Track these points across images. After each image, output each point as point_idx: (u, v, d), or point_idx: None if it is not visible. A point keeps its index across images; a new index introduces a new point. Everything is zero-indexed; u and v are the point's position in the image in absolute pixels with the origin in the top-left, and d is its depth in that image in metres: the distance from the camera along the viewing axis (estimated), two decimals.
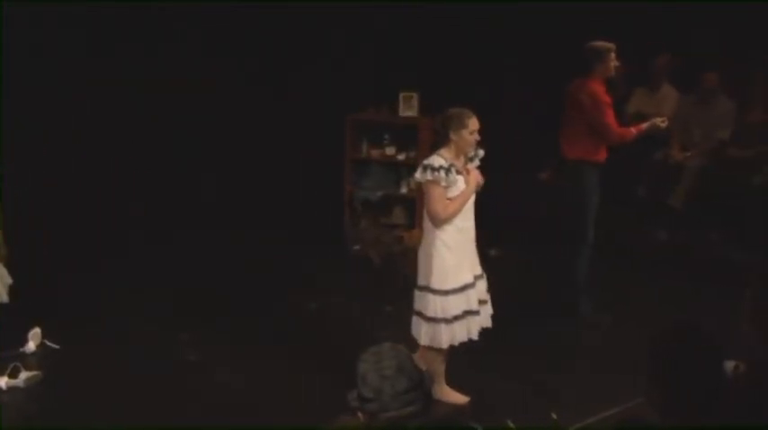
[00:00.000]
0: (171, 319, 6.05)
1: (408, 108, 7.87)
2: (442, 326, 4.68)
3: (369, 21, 8.23)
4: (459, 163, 4.76)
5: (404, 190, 8.13)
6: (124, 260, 7.02)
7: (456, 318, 4.71)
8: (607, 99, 5.96)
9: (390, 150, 8.08)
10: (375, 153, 8.15)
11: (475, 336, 4.82)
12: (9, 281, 5.58)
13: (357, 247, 7.84)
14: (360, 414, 2.74)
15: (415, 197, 8.02)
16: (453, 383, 4.95)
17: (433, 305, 4.69)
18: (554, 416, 4.71)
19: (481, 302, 4.86)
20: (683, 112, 8.07)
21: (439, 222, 4.67)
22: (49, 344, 5.65)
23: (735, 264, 6.86)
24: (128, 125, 7.57)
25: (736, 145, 7.78)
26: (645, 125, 6.00)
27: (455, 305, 4.70)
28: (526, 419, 4.67)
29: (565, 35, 8.37)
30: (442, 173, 4.61)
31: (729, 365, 2.91)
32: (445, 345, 4.75)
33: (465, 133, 4.68)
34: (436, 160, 4.67)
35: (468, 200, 4.75)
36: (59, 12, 6.96)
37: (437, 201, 4.65)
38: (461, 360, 5.44)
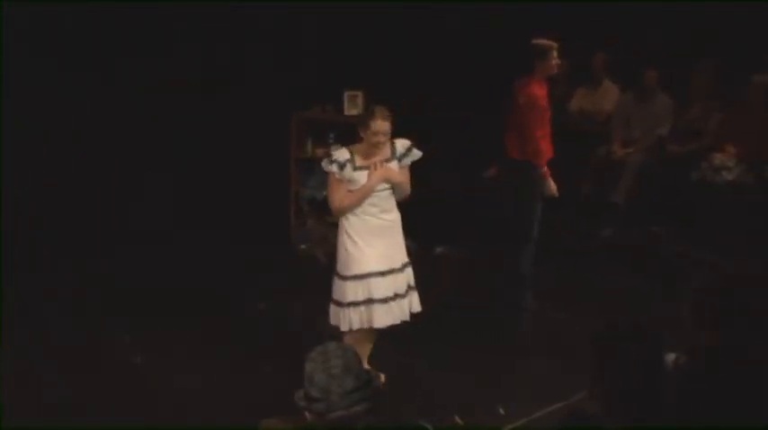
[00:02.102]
0: (116, 321, 5.98)
1: (353, 107, 7.86)
2: (340, 310, 4.95)
3: (315, 18, 8.21)
4: (369, 159, 4.90)
5: None
6: (70, 261, 6.90)
7: (352, 304, 4.90)
8: (543, 103, 5.91)
9: (335, 149, 8.05)
10: (320, 152, 8.11)
11: (379, 325, 4.96)
12: None
13: (304, 246, 7.82)
14: (307, 414, 2.73)
15: None
16: (402, 378, 4.98)
17: (336, 288, 4.99)
18: (501, 411, 4.77)
19: (399, 295, 4.98)
20: (624, 109, 8.20)
21: (335, 211, 5.00)
22: None
23: (677, 258, 7.00)
24: (77, 127, 7.45)
25: (675, 141, 7.92)
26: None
27: (353, 292, 4.89)
28: (473, 415, 4.72)
29: (510, 33, 8.46)
30: (336, 166, 4.87)
31: (671, 358, 2.96)
32: (343, 328, 4.95)
33: (368, 133, 4.86)
34: (339, 153, 4.95)
35: (366, 195, 4.90)
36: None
37: (334, 191, 4.94)
38: (410, 356, 5.48)
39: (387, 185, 4.95)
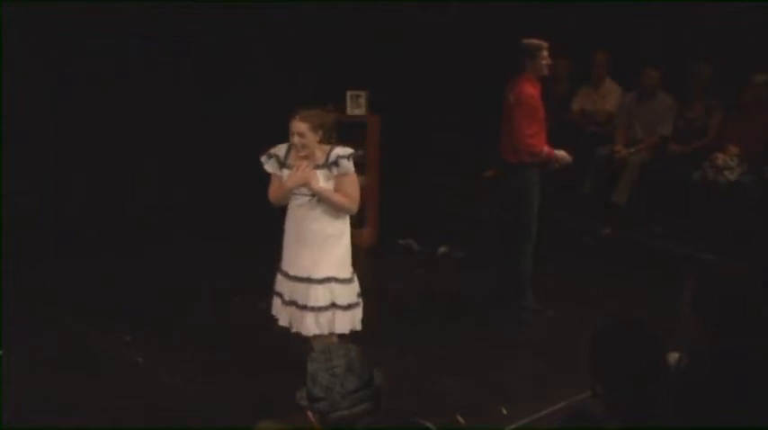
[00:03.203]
0: (117, 321, 5.98)
1: (356, 106, 7.87)
2: (278, 303, 4.93)
3: (318, 18, 8.22)
4: (299, 160, 4.74)
5: None
6: (69, 262, 6.91)
7: (278, 294, 4.91)
8: (533, 101, 5.88)
9: None
10: None
11: (289, 323, 4.87)
12: None
13: None
14: (309, 413, 2.74)
15: (364, 196, 8.02)
16: (404, 378, 4.99)
17: (277, 279, 4.95)
18: (504, 411, 4.78)
19: (296, 304, 4.81)
20: (625, 109, 8.21)
21: (270, 202, 4.90)
22: None
23: (677, 257, 7.00)
24: (75, 126, 7.46)
25: (677, 141, 7.93)
26: (558, 154, 5.96)
27: (285, 288, 4.87)
28: (476, 415, 4.73)
29: (514, 33, 8.46)
30: (265, 158, 4.84)
31: (673, 357, 2.97)
32: (283, 323, 4.91)
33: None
34: (277, 147, 4.86)
35: (283, 194, 4.79)
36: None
37: (270, 184, 4.88)
38: (413, 356, 5.49)
39: (308, 192, 4.71)
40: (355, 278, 4.94)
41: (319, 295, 4.73)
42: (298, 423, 2.78)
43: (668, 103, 8.01)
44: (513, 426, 4.65)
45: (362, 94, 7.84)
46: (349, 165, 4.73)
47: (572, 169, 8.17)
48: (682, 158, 7.75)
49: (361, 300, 4.94)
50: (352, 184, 4.79)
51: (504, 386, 5.12)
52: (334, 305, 4.77)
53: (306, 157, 4.69)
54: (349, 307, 4.83)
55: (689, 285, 3.07)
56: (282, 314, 4.90)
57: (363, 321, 5.72)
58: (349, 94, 7.85)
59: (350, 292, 4.85)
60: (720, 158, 7.36)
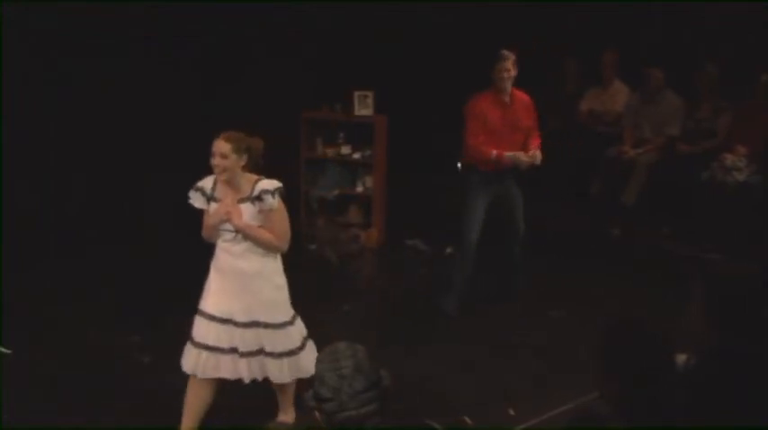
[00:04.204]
0: (123, 321, 5.98)
1: (364, 107, 7.88)
2: (189, 345, 4.44)
3: (326, 17, 8.22)
4: (225, 192, 4.36)
5: (360, 189, 8.14)
6: (75, 261, 6.92)
7: (198, 345, 4.38)
8: (478, 111, 5.98)
9: (346, 149, 8.09)
10: (330, 152, 8.14)
11: (204, 374, 4.40)
12: None
13: (313, 246, 7.83)
14: (317, 414, 2.74)
15: (371, 196, 8.05)
16: (411, 379, 4.98)
17: (195, 320, 4.46)
18: (511, 412, 4.77)
19: (237, 351, 4.38)
20: (632, 109, 8.19)
21: (205, 239, 4.45)
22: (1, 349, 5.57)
23: (686, 259, 6.98)
24: (75, 126, 7.47)
25: (686, 141, 7.91)
26: (507, 154, 5.95)
27: (204, 331, 4.37)
28: (482, 416, 4.72)
29: (520, 34, 8.45)
30: (192, 192, 4.43)
31: (681, 358, 2.96)
32: (185, 369, 4.43)
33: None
34: (204, 180, 4.44)
35: (207, 230, 4.38)
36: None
37: (203, 219, 4.43)
38: (419, 357, 5.49)
39: (233, 228, 4.31)
40: (297, 322, 4.51)
41: (246, 340, 4.35)
42: (306, 423, 2.78)
43: (676, 104, 7.99)
44: (521, 427, 4.64)
45: (370, 94, 7.85)
46: (273, 202, 4.31)
47: (580, 169, 8.23)
48: (690, 159, 7.73)
49: (305, 344, 4.51)
50: (280, 220, 4.38)
51: (510, 387, 5.12)
52: (262, 351, 4.38)
53: (227, 183, 4.30)
54: (284, 354, 4.41)
55: (697, 285, 3.07)
56: (215, 368, 4.39)
57: (371, 322, 5.73)
58: (357, 94, 7.86)
59: (284, 339, 4.41)
60: (729, 159, 7.34)
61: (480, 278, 6.74)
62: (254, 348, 4.37)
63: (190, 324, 4.44)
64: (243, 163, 4.32)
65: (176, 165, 7.96)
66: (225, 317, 4.35)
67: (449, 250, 7.33)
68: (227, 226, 4.31)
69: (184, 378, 5.13)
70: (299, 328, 4.52)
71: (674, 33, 8.21)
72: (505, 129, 6.05)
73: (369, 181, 8.08)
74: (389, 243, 8.00)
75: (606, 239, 7.79)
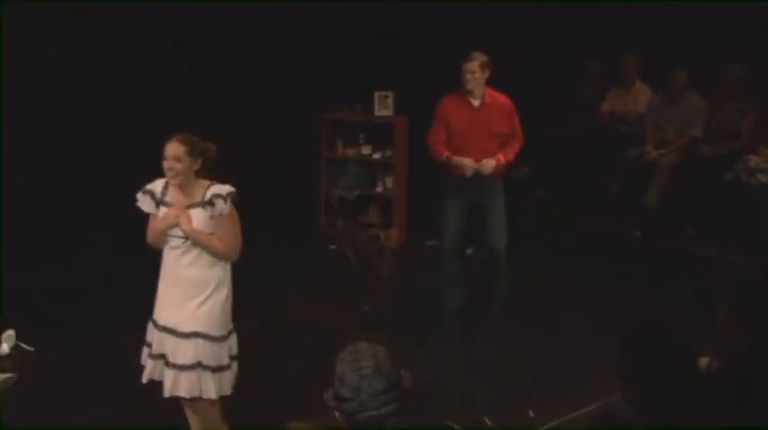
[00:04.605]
0: (146, 320, 5.99)
1: (384, 107, 7.88)
2: (145, 353, 4.32)
3: (346, 18, 8.22)
4: (175, 197, 4.19)
5: (380, 189, 8.14)
6: (98, 261, 6.95)
7: (152, 353, 4.26)
8: (441, 114, 5.86)
9: (366, 149, 8.09)
10: (350, 152, 8.15)
11: (156, 378, 4.25)
12: None
13: (333, 246, 7.84)
14: (336, 414, 2.73)
15: (391, 196, 8.05)
16: (431, 379, 4.97)
17: (148, 327, 4.33)
18: (531, 413, 4.75)
19: (164, 359, 4.20)
20: (654, 110, 8.15)
21: (150, 244, 4.30)
22: (22, 346, 5.60)
23: (708, 261, 6.93)
24: (96, 123, 7.50)
25: (709, 142, 7.85)
26: (455, 158, 5.81)
27: (153, 338, 4.26)
28: (503, 417, 4.70)
29: (540, 34, 8.43)
30: (140, 195, 4.25)
31: (704, 362, 2.93)
32: (144, 378, 4.29)
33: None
34: (153, 183, 4.27)
35: (154, 235, 4.22)
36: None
37: (149, 224, 4.27)
38: (438, 357, 5.48)
39: (182, 234, 4.13)
40: (232, 338, 4.34)
41: (180, 351, 4.15)
42: (325, 423, 2.77)
43: (699, 105, 7.94)
44: (543, 429, 4.62)
45: (390, 94, 7.85)
46: (225, 207, 4.13)
47: (602, 170, 8.19)
48: (713, 160, 7.67)
49: (235, 363, 4.35)
50: (231, 227, 4.18)
51: (530, 388, 5.09)
52: (200, 365, 4.17)
53: (179, 187, 4.14)
54: (218, 369, 4.22)
55: (722, 288, 3.04)
56: (148, 366, 4.29)
57: (390, 322, 5.72)
58: (377, 94, 7.86)
59: (220, 353, 4.22)
60: (753, 160, 7.28)
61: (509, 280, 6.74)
62: (190, 362, 4.15)
63: None
64: (196, 167, 4.16)
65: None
66: (170, 326, 4.18)
67: (469, 251, 7.31)
68: (176, 231, 4.14)
69: None
70: (232, 345, 4.33)
71: (698, 33, 8.16)
72: (473, 133, 5.78)
73: (389, 181, 8.08)
74: (409, 243, 8.00)
75: (627, 240, 7.75)
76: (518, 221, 6.88)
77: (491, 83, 5.90)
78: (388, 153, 8.01)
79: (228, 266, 4.30)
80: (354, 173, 8.19)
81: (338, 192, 8.14)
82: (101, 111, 7.38)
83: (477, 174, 5.79)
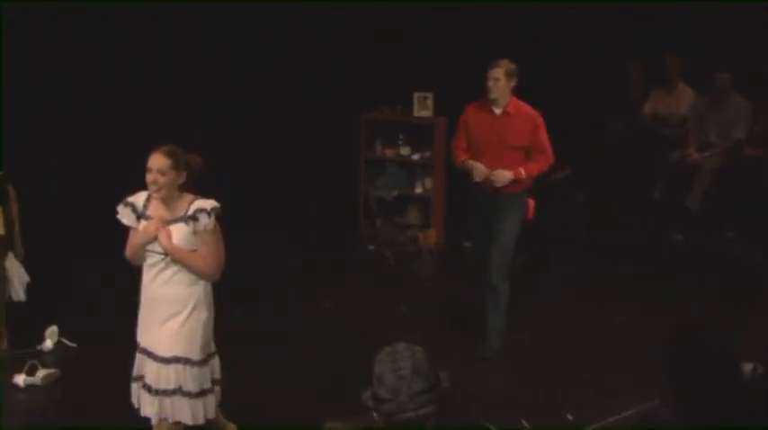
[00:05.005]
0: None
1: (423, 108, 7.88)
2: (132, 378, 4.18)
3: (386, 19, 8.23)
4: (157, 211, 4.02)
5: (419, 190, 8.14)
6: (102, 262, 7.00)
7: (133, 376, 4.14)
8: (464, 118, 5.60)
9: (405, 150, 8.10)
10: (390, 153, 8.16)
11: (139, 407, 4.10)
12: (26, 279, 5.62)
13: (372, 247, 7.86)
14: (375, 414, 2.74)
15: (430, 197, 8.04)
16: (469, 381, 4.96)
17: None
18: (570, 417, 4.72)
19: (143, 383, 4.06)
20: (698, 112, 8.05)
21: (128, 260, 4.12)
22: (65, 342, 5.67)
23: (751, 264, 6.83)
24: (142, 123, 7.58)
25: (753, 145, 7.74)
26: (468, 162, 5.48)
27: (136, 361, 4.13)
28: (541, 420, 4.67)
29: (581, 35, 8.37)
30: (121, 207, 4.07)
31: (747, 367, 2.89)
32: (133, 401, 4.14)
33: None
34: (135, 195, 4.09)
35: (133, 250, 4.03)
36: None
37: (129, 238, 4.09)
38: (475, 359, 5.46)
39: (162, 250, 3.95)
40: (214, 361, 4.21)
41: (162, 376, 3.99)
42: (364, 423, 2.78)
43: (743, 107, 7.83)
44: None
45: (429, 95, 7.85)
46: (209, 222, 3.95)
47: (644, 172, 8.11)
48: (757, 163, 7.56)
49: (216, 387, 4.21)
50: (213, 245, 4.00)
51: (569, 391, 5.06)
52: (180, 390, 4.00)
53: (162, 201, 3.96)
54: (201, 394, 4.07)
55: (763, 292, 3.00)
56: (133, 389, 4.16)
57: (428, 323, 5.71)
58: (416, 95, 7.86)
59: (201, 377, 4.06)
60: None
61: (542, 281, 6.71)
62: (172, 387, 3.99)
63: (249, 323, 4.36)
64: (181, 180, 3.96)
65: (244, 165, 8.08)
66: (149, 349, 4.04)
67: (466, 244, 7.30)
68: (155, 247, 3.96)
69: (244, 374, 5.19)
70: (215, 368, 4.20)
71: (742, 34, 8.04)
72: (490, 142, 5.43)
73: (428, 182, 8.07)
74: (447, 244, 7.99)
75: (669, 243, 7.67)
76: (557, 224, 6.86)
77: (521, 92, 5.61)
78: (428, 154, 8.01)
79: (210, 286, 4.11)
80: (393, 173, 8.20)
81: (377, 192, 8.15)
82: (103, 109, 7.40)
83: (494, 187, 5.42)
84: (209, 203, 3.99)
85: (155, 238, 3.93)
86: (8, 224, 5.56)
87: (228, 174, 8.10)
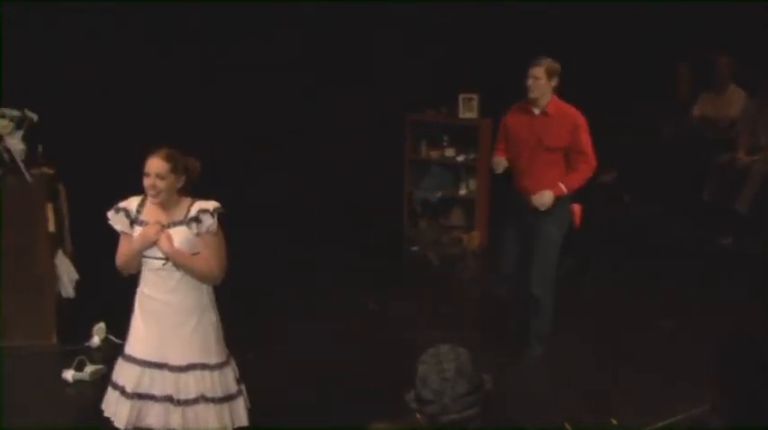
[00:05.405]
0: (228, 319, 6.07)
1: (468, 109, 7.85)
2: (117, 397, 3.99)
3: (431, 20, 8.23)
4: (153, 215, 3.91)
5: (463, 191, 8.11)
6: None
7: (132, 395, 3.93)
8: (504, 121, 5.52)
9: (450, 152, 8.08)
10: (434, 154, 8.15)
11: (121, 425, 3.95)
12: (75, 276, 5.71)
13: (416, 248, 7.85)
14: (418, 416, 2.74)
15: (474, 199, 8.02)
16: (514, 384, 4.93)
17: (117, 367, 4.05)
18: (614, 421, 4.67)
19: (169, 398, 3.92)
20: (748, 115, 7.93)
21: (119, 268, 4.01)
22: (112, 339, 5.74)
23: None
24: (190, 124, 7.66)
25: None
26: (495, 158, 5.45)
27: (135, 378, 3.93)
28: (585, 424, 4.63)
29: (629, 39, 8.28)
30: (112, 212, 3.96)
31: None
32: (119, 424, 3.94)
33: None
34: (128, 200, 3.99)
35: (130, 256, 3.90)
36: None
37: (119, 244, 3.98)
38: (518, 362, 5.43)
39: (162, 255, 3.84)
40: (232, 362, 4.12)
41: (181, 386, 3.89)
42: (407, 424, 2.78)
43: None
44: None
45: (475, 96, 7.82)
46: (213, 223, 3.86)
47: (692, 175, 8.01)
48: None
49: (241, 388, 4.13)
50: (217, 246, 3.90)
51: (613, 396, 5.02)
52: (203, 397, 3.92)
53: (160, 206, 3.87)
54: (227, 398, 4.00)
55: None
56: (124, 409, 3.94)
57: (471, 325, 5.68)
58: (461, 96, 7.84)
59: (223, 381, 4.00)
60: None
61: (587, 284, 6.65)
62: (193, 395, 3.91)
63: (291, 324, 4.35)
64: (180, 184, 3.88)
65: (288, 165, 8.13)
66: (159, 361, 3.91)
67: (570, 262, 7.26)
68: (154, 252, 3.85)
69: (288, 375, 5.21)
70: (234, 370, 4.11)
71: None
72: (526, 143, 5.31)
73: (472, 183, 8.04)
74: (492, 245, 7.95)
75: (717, 247, 7.56)
76: (604, 225, 6.80)
77: (568, 93, 5.49)
78: (472, 155, 7.99)
79: (211, 289, 4.02)
80: (437, 175, 8.18)
81: (421, 193, 8.15)
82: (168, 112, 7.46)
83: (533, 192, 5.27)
84: (211, 204, 3.91)
85: (154, 243, 3.82)
86: (58, 222, 5.66)
87: (274, 174, 8.18)
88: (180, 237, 3.84)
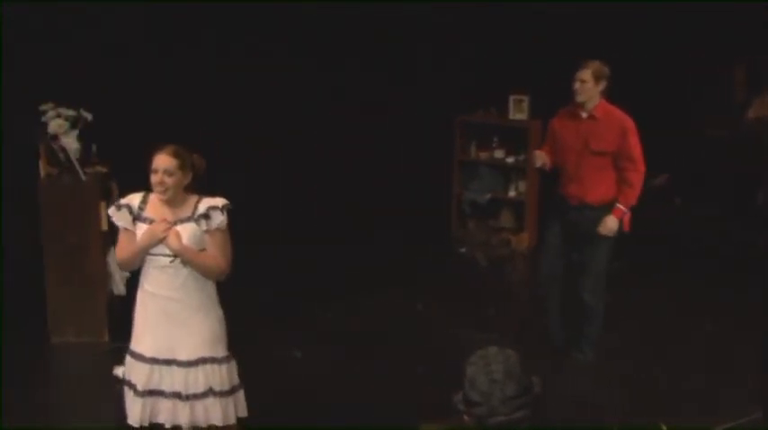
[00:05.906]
0: (275, 319, 6.12)
1: (519, 111, 7.82)
2: (131, 395, 4.00)
3: (482, 21, 8.20)
4: (159, 211, 3.89)
5: (512, 193, 8.08)
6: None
7: (143, 393, 3.94)
8: (551, 126, 5.46)
9: (499, 153, 8.05)
10: (484, 155, 8.13)
11: (134, 422, 3.98)
12: (127, 274, 5.78)
13: (464, 249, 7.83)
14: (466, 417, 2.73)
15: (523, 200, 7.97)
16: (563, 388, 4.89)
17: (126, 365, 4.05)
18: (664, 427, 4.60)
19: (179, 394, 3.94)
20: None
21: (119, 264, 4.11)
22: None
23: None
24: (235, 127, 7.72)
25: None
26: (536, 153, 5.41)
27: (140, 375, 3.95)
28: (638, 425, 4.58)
29: (684, 41, 8.17)
30: (114, 209, 3.95)
31: None
32: (132, 421, 3.98)
33: (151, 173, 3.85)
34: (130, 196, 3.98)
35: (136, 253, 3.88)
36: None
37: (118, 238, 3.98)
38: (567, 365, 5.38)
39: (169, 252, 3.83)
40: (231, 358, 4.12)
41: (190, 380, 3.91)
42: (456, 425, 2.77)
43: None
44: None
45: (525, 98, 7.78)
46: (224, 218, 3.87)
47: (746, 178, 7.89)
48: None
49: (241, 383, 4.14)
50: (223, 242, 3.90)
51: (663, 401, 4.95)
52: (211, 391, 3.95)
53: (166, 202, 3.87)
54: (231, 391, 4.03)
55: None
56: (136, 407, 3.97)
57: (519, 327, 5.64)
58: (512, 98, 7.81)
59: (230, 374, 4.04)
60: None
61: (639, 287, 6.57)
62: (201, 390, 3.94)
63: (340, 326, 4.33)
64: (187, 181, 3.89)
65: (339, 166, 8.16)
66: (168, 358, 3.92)
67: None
68: (161, 249, 3.84)
69: (334, 374, 5.23)
70: (235, 364, 4.12)
71: None
72: (575, 148, 5.23)
73: (522, 185, 8.00)
74: (540, 247, 7.89)
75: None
76: (654, 228, 6.72)
77: (619, 96, 5.39)
78: (522, 157, 7.94)
79: (215, 285, 4.03)
80: (487, 176, 8.15)
81: (470, 195, 8.13)
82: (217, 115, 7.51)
83: (580, 197, 5.23)
84: (220, 201, 3.91)
85: (161, 241, 3.82)
86: (111, 221, 5.73)
87: (325, 175, 8.22)
88: (187, 233, 3.85)
